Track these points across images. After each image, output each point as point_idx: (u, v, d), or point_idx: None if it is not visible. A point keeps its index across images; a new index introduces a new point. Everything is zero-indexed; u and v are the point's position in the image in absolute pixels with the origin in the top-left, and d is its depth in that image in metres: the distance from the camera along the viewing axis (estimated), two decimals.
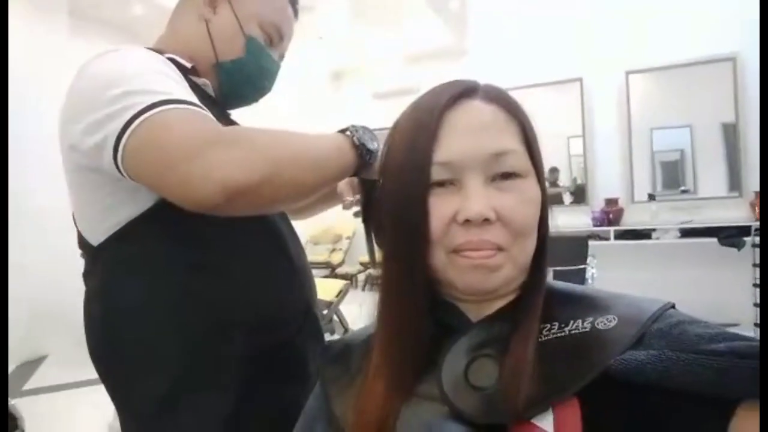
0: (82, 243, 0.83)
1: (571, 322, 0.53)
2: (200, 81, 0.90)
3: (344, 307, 4.12)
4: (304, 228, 6.55)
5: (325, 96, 6.63)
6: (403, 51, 5.87)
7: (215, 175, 0.62)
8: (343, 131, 0.79)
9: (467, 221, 0.51)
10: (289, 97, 6.38)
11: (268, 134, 0.70)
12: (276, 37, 0.95)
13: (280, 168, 0.66)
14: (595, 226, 4.59)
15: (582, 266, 3.66)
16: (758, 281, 3.69)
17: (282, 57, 1.01)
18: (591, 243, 3.93)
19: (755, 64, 4.20)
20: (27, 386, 3.67)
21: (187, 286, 0.79)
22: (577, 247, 3.73)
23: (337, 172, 0.76)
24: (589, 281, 3.72)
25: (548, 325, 0.54)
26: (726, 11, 4.20)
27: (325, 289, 4.20)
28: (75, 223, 0.84)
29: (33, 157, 4.06)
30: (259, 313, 0.84)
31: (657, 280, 4.49)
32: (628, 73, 4.61)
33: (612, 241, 4.46)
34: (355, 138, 0.78)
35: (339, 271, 6.65)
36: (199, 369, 0.78)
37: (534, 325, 0.53)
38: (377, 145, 0.79)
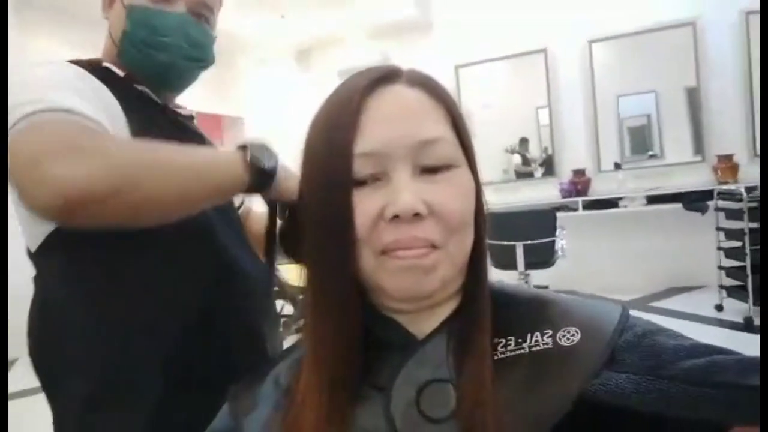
0: (27, 249, 0.83)
1: (529, 336, 0.49)
2: (141, 88, 0.86)
3: None
4: None
5: (291, 75, 6.50)
6: (367, 25, 5.78)
7: (57, 183, 0.60)
8: (242, 147, 0.75)
9: (396, 217, 0.46)
10: (255, 78, 6.24)
11: (136, 147, 0.69)
12: (200, 6, 0.88)
13: (136, 181, 0.64)
14: (563, 197, 4.65)
15: (551, 239, 3.71)
16: (722, 245, 3.79)
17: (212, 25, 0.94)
18: (560, 215, 3.97)
19: (714, 29, 4.27)
20: None
21: (105, 297, 0.79)
22: (545, 219, 3.76)
23: (221, 188, 0.73)
24: (559, 253, 3.77)
25: (503, 340, 0.49)
26: None
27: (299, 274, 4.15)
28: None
29: None
30: (178, 320, 0.81)
31: (625, 248, 4.58)
32: (590, 41, 4.64)
33: (580, 211, 4.52)
34: (249, 154, 0.73)
35: None
36: (115, 375, 0.78)
37: (486, 340, 0.48)
38: (275, 164, 0.75)
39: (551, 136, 4.90)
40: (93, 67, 0.83)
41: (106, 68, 0.85)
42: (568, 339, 0.47)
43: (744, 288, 3.54)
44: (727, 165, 4.15)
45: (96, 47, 0.92)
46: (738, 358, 0.42)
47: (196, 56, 0.90)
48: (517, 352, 0.48)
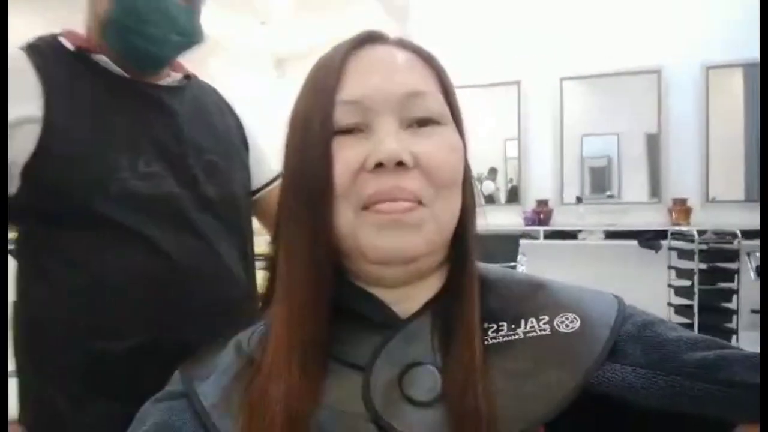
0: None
1: (522, 321, 0.45)
2: (98, 58, 0.83)
3: None
4: None
5: (267, 82, 6.47)
6: (345, 39, 5.84)
7: None
8: None
9: (379, 165, 0.42)
10: (229, 82, 6.18)
11: None
12: None
13: None
14: (526, 225, 4.75)
15: (513, 264, 3.77)
16: (672, 283, 3.94)
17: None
18: (522, 242, 4.06)
19: (677, 80, 4.48)
20: None
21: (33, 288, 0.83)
22: (508, 245, 3.84)
23: None
24: None
25: (494, 325, 0.46)
26: (652, 26, 4.45)
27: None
28: None
29: None
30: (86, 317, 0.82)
31: (581, 279, 4.62)
32: (562, 79, 4.79)
33: (541, 240, 4.63)
34: None
35: None
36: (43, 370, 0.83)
37: (474, 319, 0.45)
38: None
39: (519, 165, 5.01)
40: (40, 44, 0.82)
41: (58, 43, 0.83)
42: (567, 326, 0.44)
43: (691, 326, 3.67)
44: (682, 208, 4.33)
45: (78, 28, 0.89)
46: (745, 353, 0.40)
47: (186, 43, 0.89)
48: (511, 337, 0.45)
